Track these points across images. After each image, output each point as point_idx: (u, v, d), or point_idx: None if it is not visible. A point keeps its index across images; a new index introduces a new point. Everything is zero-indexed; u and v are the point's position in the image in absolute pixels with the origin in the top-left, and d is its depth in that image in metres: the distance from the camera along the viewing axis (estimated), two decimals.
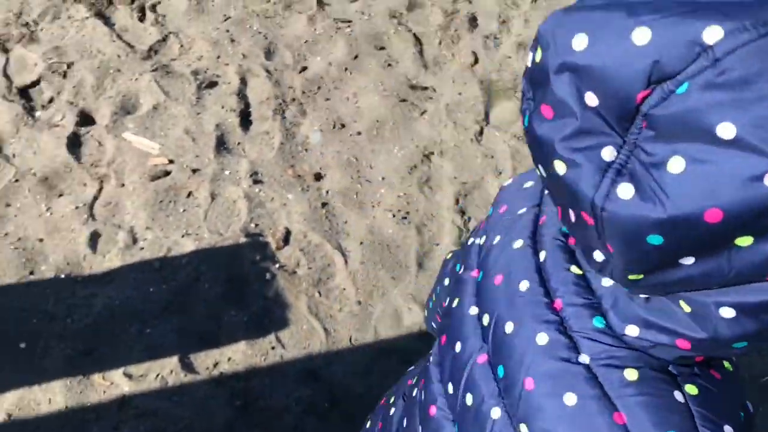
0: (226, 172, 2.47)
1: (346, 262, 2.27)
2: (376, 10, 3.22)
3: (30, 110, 2.55)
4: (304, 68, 2.90)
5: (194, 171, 2.45)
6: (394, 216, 2.43)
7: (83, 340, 1.97)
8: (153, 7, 3.05)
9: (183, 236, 2.26)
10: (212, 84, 2.76)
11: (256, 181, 2.46)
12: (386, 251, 2.33)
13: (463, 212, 2.47)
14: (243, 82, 2.79)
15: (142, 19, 3.00)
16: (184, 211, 2.33)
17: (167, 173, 2.43)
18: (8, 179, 2.33)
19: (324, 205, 2.43)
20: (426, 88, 2.90)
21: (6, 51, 2.76)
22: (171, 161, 2.46)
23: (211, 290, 2.13)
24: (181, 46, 2.90)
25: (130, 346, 1.97)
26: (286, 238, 2.31)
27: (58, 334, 1.97)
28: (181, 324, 2.04)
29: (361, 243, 2.33)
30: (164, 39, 2.92)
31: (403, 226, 2.40)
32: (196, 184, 2.41)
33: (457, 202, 2.50)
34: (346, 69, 2.92)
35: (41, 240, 2.18)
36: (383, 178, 2.55)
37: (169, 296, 2.10)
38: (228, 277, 2.17)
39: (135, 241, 2.22)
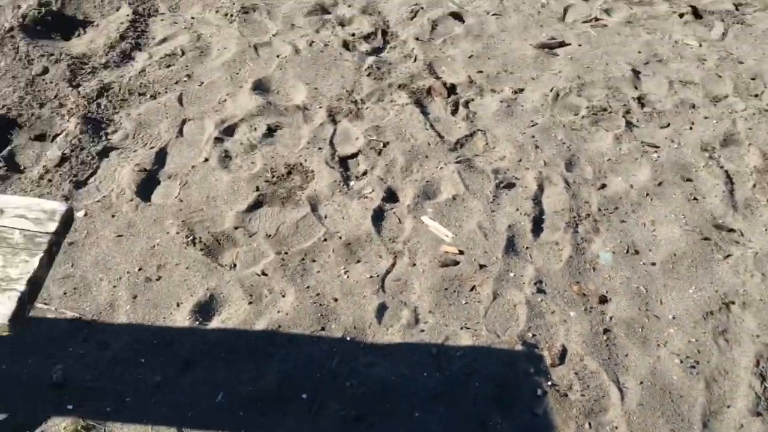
0: (511, 274, 2.47)
1: (622, 398, 2.12)
2: (687, 139, 3.09)
3: (346, 179, 2.80)
4: (603, 186, 2.86)
5: (481, 266, 2.49)
6: (681, 362, 2.23)
7: (357, 405, 2.04)
8: (466, 104, 3.23)
9: (461, 328, 2.28)
10: (510, 185, 2.83)
11: (540, 290, 2.43)
12: (668, 398, 2.14)
13: (763, 377, 2.20)
14: (540, 188, 2.82)
15: (454, 112, 3.19)
16: (465, 303, 2.37)
17: (456, 263, 2.49)
18: (318, 237, 2.55)
19: (606, 331, 2.32)
20: (733, 231, 2.69)
21: (335, 122, 3.08)
22: (461, 252, 2.53)
23: (481, 390, 2.11)
24: (486, 143, 3.02)
25: (398, 425, 2.01)
26: (562, 357, 2.23)
27: (336, 394, 2.07)
28: (448, 417, 2.04)
29: (641, 382, 2.17)
30: (471, 135, 3.07)
31: (690, 375, 2.20)
32: (481, 280, 2.44)
33: (757, 363, 2.24)
34: (647, 194, 2.82)
35: (336, 300, 2.34)
36: (674, 318, 2.37)
37: (441, 385, 2.11)
38: (499, 382, 2.14)
39: (417, 321, 2.29)
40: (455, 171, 2.86)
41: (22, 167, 2.74)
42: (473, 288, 2.42)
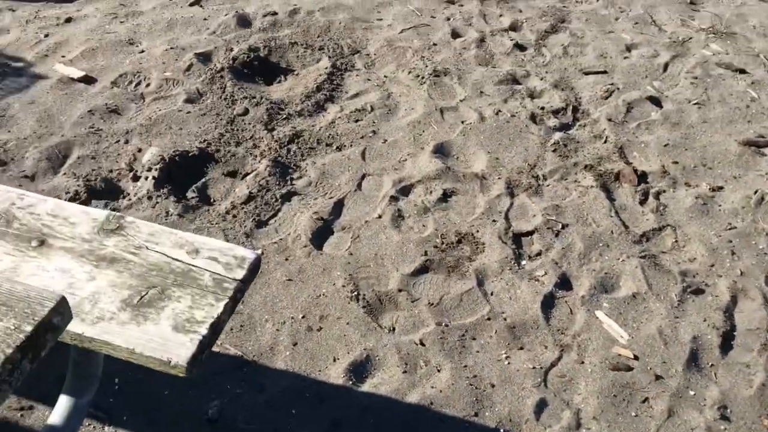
0: (691, 392, 2.22)
1: None
2: None
3: (518, 257, 2.69)
4: None
5: (657, 377, 2.26)
6: None
7: None
8: (657, 195, 3.02)
9: None
10: (699, 291, 2.57)
11: (723, 417, 2.15)
12: None
13: None
14: (733, 300, 2.54)
15: (643, 202, 2.99)
16: (635, 415, 2.15)
17: (629, 368, 2.28)
18: (481, 314, 2.45)
19: None
20: None
21: (513, 196, 3.00)
22: (636, 357, 2.32)
23: None
24: (676, 241, 2.79)
25: None
26: None
27: None
28: None
29: None
30: (660, 229, 2.85)
31: None
32: (655, 393, 2.21)
33: None
34: None
35: (493, 385, 2.21)
36: None
37: None
38: None
39: (579, 425, 2.11)
40: (638, 266, 2.65)
41: (212, 200, 2.90)
42: (646, 400, 2.20)
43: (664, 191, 3.06)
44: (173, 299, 1.46)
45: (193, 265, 1.54)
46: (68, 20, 4.03)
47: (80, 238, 1.58)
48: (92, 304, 1.43)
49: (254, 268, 1.57)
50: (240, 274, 1.53)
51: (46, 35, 3.86)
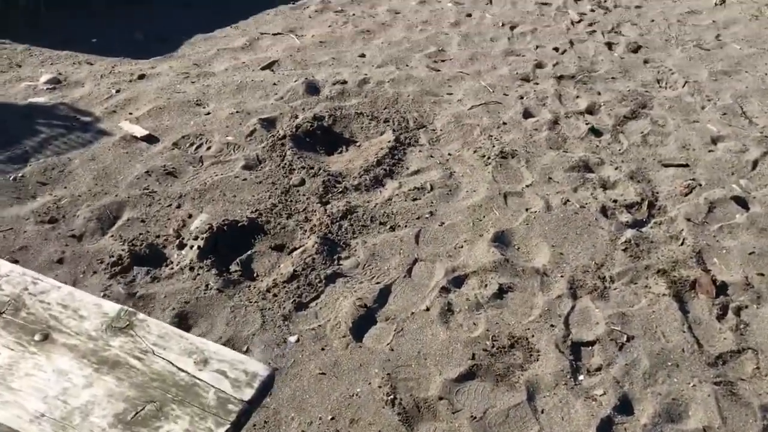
0: None
1: None
2: None
3: (575, 370, 2.44)
4: None
5: None
6: None
7: None
8: (738, 311, 2.72)
9: None
10: None
11: None
12: None
13: None
14: None
15: (721, 318, 2.69)
16: None
17: None
18: (534, 429, 2.21)
19: None
20: None
21: (575, 298, 2.75)
22: None
23: None
24: (757, 367, 2.48)
25: None
26: None
27: None
28: None
29: None
30: (739, 351, 2.54)
31: None
32: None
33: None
34: None
35: None
36: None
37: None
38: None
39: None
40: (712, 394, 2.35)
41: (255, 274, 2.78)
42: None
43: (747, 307, 2.74)
44: (170, 419, 1.31)
45: (198, 379, 1.39)
46: (141, 77, 4.10)
47: (86, 335, 1.46)
48: (83, 417, 1.30)
49: (265, 388, 1.41)
50: (248, 394, 1.37)
51: (118, 90, 3.92)
